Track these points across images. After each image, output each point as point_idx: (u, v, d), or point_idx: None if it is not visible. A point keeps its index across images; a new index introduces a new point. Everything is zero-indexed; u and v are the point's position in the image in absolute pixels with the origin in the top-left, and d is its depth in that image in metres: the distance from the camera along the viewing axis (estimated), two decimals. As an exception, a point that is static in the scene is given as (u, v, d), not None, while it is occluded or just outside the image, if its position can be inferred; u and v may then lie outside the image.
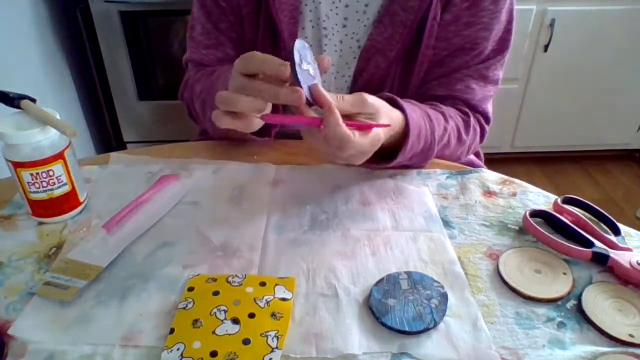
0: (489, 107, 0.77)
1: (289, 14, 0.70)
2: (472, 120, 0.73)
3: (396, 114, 0.58)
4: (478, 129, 0.75)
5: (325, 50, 0.73)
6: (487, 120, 0.77)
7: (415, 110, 0.63)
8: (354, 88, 0.75)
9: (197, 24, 0.76)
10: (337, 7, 0.71)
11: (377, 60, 0.71)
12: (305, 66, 0.51)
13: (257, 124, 0.53)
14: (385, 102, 0.57)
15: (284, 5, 0.69)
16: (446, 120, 0.68)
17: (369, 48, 0.71)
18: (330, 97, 0.50)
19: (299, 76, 0.49)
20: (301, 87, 0.49)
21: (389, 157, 0.62)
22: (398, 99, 0.61)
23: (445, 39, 0.70)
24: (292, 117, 0.53)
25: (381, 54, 0.71)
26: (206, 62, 0.77)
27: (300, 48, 0.51)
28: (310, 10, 0.72)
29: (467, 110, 0.73)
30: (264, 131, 0.59)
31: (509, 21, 0.72)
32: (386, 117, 0.55)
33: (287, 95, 0.49)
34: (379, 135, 0.54)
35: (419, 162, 0.68)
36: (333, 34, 0.73)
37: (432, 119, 0.65)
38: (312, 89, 0.50)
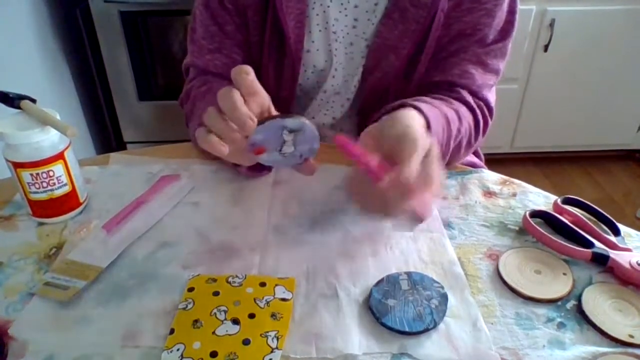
0: (491, 96, 0.73)
1: (295, 17, 0.68)
2: (479, 115, 0.70)
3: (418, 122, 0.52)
4: (481, 123, 0.71)
5: (335, 55, 0.72)
6: (490, 109, 0.73)
7: (434, 112, 0.58)
8: (362, 87, 0.74)
9: (199, 27, 0.72)
10: (346, 9, 0.69)
11: (390, 59, 0.69)
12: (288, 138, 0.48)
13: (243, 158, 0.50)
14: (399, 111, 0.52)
15: (291, 9, 0.67)
16: (460, 122, 0.65)
17: (380, 47, 0.69)
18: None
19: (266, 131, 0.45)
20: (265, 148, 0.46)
21: None
22: (414, 103, 0.56)
23: (446, 26, 0.68)
24: (363, 153, 0.45)
25: (393, 51, 0.69)
26: (211, 69, 0.72)
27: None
28: (317, 14, 0.70)
29: (470, 100, 0.69)
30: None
31: (511, 12, 0.70)
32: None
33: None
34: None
35: None
36: (343, 37, 0.71)
37: (450, 123, 0.61)
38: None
